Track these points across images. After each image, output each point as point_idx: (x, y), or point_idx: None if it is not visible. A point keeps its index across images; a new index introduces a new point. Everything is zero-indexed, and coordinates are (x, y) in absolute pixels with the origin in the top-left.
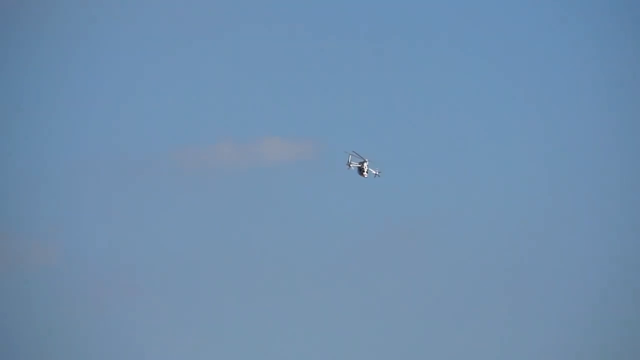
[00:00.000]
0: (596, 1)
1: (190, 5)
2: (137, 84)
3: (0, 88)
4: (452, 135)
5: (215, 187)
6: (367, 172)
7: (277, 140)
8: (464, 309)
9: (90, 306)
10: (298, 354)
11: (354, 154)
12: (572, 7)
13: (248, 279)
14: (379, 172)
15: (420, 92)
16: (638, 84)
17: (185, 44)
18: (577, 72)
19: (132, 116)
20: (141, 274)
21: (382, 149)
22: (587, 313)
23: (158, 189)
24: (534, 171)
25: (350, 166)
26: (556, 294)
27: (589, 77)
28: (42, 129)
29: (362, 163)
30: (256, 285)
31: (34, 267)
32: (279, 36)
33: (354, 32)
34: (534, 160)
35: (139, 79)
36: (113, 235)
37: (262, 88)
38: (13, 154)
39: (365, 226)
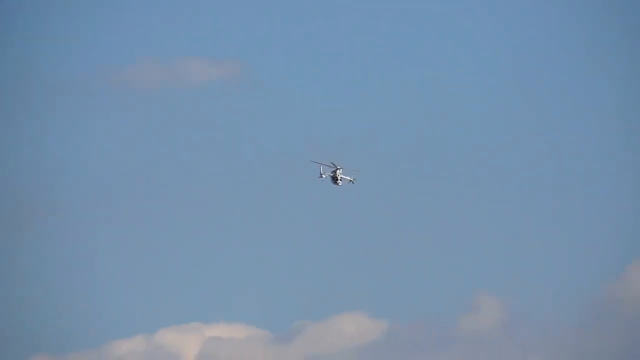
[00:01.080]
0: None
1: None
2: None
3: None
4: (382, 57)
5: (137, 107)
6: (340, 179)
7: (198, 60)
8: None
9: (14, 223)
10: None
11: (319, 163)
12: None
13: (171, 196)
14: (353, 179)
15: (355, 13)
16: None
17: None
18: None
19: (55, 35)
20: (63, 193)
21: (307, 69)
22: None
23: (81, 109)
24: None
25: (323, 176)
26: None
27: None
28: None
29: (334, 171)
30: (179, 203)
31: None
32: None
33: None
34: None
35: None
36: (36, 154)
37: (183, 8)
38: None
39: (289, 141)
